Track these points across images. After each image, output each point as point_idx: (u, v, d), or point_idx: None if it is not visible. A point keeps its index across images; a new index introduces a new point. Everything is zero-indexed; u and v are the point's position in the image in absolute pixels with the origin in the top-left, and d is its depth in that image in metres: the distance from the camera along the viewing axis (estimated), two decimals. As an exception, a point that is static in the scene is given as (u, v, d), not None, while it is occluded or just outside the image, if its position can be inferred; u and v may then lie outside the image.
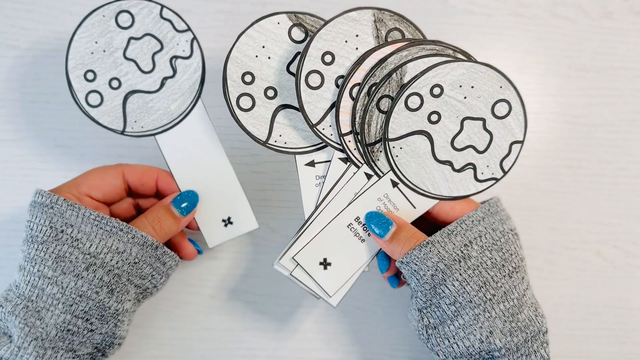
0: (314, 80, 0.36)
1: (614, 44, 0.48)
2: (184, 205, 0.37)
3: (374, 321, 0.45)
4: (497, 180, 0.37)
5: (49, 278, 0.33)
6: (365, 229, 0.37)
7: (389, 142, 0.36)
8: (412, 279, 0.35)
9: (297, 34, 0.36)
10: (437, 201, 0.37)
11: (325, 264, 0.37)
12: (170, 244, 0.39)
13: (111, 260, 0.34)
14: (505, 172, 0.37)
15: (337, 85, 0.36)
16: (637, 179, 0.47)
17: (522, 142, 0.36)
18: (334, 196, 0.37)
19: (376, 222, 0.36)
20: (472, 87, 0.35)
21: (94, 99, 0.37)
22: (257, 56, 0.36)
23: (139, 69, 0.37)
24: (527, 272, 0.36)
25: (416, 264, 0.34)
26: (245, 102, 0.36)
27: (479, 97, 0.35)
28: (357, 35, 0.36)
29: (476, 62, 0.35)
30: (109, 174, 0.37)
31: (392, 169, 0.36)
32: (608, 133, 0.47)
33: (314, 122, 0.36)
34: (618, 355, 0.45)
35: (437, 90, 0.35)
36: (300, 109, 0.36)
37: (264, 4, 0.47)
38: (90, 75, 0.37)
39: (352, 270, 0.37)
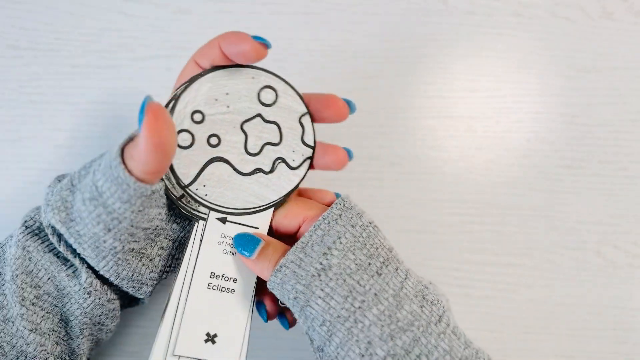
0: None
1: (614, 44, 0.48)
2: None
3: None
4: (310, 157, 0.35)
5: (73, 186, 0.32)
6: (227, 278, 0.34)
7: (189, 188, 0.33)
8: (285, 304, 0.32)
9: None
10: (272, 209, 0.35)
11: (210, 338, 0.33)
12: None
13: (113, 204, 0.29)
14: (312, 147, 0.35)
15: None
16: (637, 179, 0.47)
17: (307, 112, 0.35)
18: (185, 266, 0.33)
19: (243, 242, 0.33)
20: (227, 94, 0.33)
21: (184, 138, 0.33)
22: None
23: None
24: (402, 261, 0.33)
25: (278, 290, 0.31)
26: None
27: (240, 98, 0.34)
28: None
29: (213, 69, 0.33)
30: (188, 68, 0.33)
31: (210, 209, 0.33)
32: (608, 133, 0.47)
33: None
34: (618, 355, 0.45)
35: (198, 117, 0.33)
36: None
37: (264, 4, 0.48)
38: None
39: (241, 328, 0.33)
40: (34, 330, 0.32)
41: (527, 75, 0.48)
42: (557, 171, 0.47)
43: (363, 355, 0.29)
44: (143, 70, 0.47)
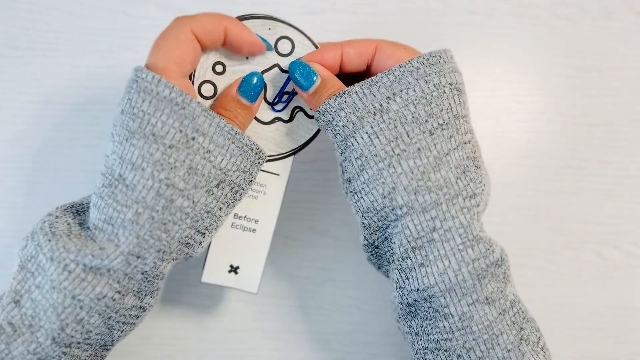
0: (207, 89, 0.35)
1: (614, 44, 0.48)
2: (251, 92, 0.34)
3: (374, 322, 0.45)
4: None
5: (180, 190, 0.31)
6: (249, 219, 0.37)
7: None
8: (328, 130, 0.33)
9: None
10: (292, 157, 0.37)
11: (233, 269, 0.36)
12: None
13: (237, 178, 0.33)
14: None
15: None
16: (637, 179, 0.47)
17: None
18: None
19: (300, 72, 0.34)
20: None
21: (207, 89, 0.35)
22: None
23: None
24: (468, 133, 0.33)
25: (330, 114, 0.32)
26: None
27: None
28: None
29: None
30: (184, 40, 0.32)
31: None
32: (608, 133, 0.47)
33: None
34: (619, 355, 0.45)
35: (219, 68, 0.35)
36: None
37: (264, 4, 0.47)
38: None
39: (260, 262, 0.37)
40: None
41: (527, 75, 0.48)
42: (557, 171, 0.47)
43: (385, 197, 0.31)
44: (143, 70, 0.47)
